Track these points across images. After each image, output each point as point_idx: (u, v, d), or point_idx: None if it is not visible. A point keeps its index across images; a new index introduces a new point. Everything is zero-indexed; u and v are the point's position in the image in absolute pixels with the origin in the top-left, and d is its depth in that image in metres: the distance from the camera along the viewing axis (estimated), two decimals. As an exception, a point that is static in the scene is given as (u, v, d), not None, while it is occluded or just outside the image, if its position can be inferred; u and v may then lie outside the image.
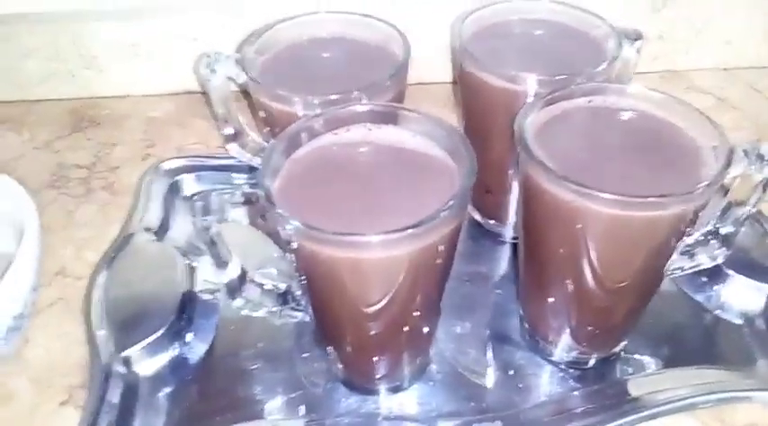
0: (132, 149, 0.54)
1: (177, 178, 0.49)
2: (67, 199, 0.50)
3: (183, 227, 0.46)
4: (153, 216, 0.46)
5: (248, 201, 0.31)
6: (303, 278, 0.32)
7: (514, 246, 0.45)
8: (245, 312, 0.35)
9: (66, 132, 0.56)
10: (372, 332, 0.34)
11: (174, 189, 0.48)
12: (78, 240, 0.46)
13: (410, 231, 0.27)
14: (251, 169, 0.48)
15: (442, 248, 0.30)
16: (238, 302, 0.34)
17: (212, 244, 0.32)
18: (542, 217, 0.33)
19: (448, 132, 0.32)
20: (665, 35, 0.59)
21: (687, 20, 0.58)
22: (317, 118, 0.33)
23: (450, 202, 0.28)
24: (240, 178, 0.50)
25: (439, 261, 0.31)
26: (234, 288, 0.34)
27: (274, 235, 0.31)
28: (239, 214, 0.31)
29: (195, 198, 0.31)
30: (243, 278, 0.34)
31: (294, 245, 0.29)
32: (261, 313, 0.35)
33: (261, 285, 0.35)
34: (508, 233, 0.46)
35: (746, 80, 0.61)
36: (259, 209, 0.30)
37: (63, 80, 0.58)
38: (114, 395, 0.35)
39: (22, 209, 0.37)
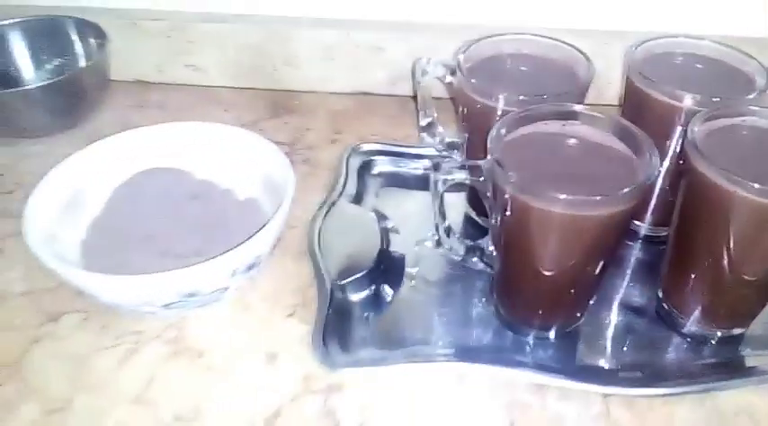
0: (322, 134, 0.65)
1: (370, 158, 0.60)
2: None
3: (371, 199, 0.57)
4: (351, 186, 0.56)
5: (464, 167, 0.41)
6: (501, 233, 0.41)
7: (645, 239, 0.53)
8: (445, 254, 0.45)
9: (267, 116, 0.68)
10: (541, 290, 0.43)
11: (366, 166, 0.59)
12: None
13: (598, 198, 0.37)
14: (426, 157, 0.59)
15: (618, 223, 0.39)
16: (442, 248, 0.44)
17: (441, 199, 0.42)
18: (700, 206, 0.41)
19: (632, 132, 0.41)
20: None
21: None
22: (524, 112, 0.43)
23: (636, 185, 0.37)
24: (418, 162, 0.60)
25: (612, 234, 0.40)
26: (442, 236, 0.44)
27: (483, 194, 0.41)
28: (462, 175, 0.41)
29: (433, 161, 0.41)
30: (449, 230, 0.44)
31: (507, 198, 0.38)
32: (455, 257, 0.45)
33: (460, 238, 0.45)
34: (642, 230, 0.54)
35: None
36: (478, 173, 0.40)
37: (265, 73, 0.71)
38: (334, 310, 0.46)
39: (278, 166, 0.48)
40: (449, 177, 0.41)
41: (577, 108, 0.43)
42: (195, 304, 0.42)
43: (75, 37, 0.67)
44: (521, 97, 0.45)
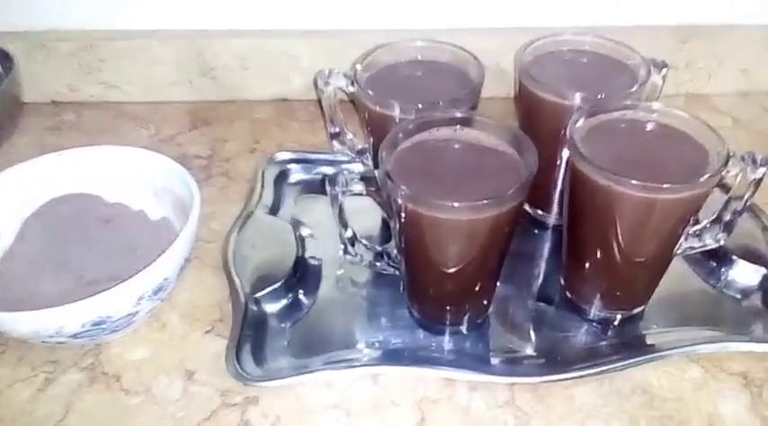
0: (241, 144, 0.66)
1: (286, 167, 0.61)
2: (192, 181, 0.61)
3: (291, 208, 0.58)
4: (267, 197, 0.57)
5: (364, 179, 0.42)
6: (402, 238, 0.43)
7: (553, 229, 0.56)
8: (353, 261, 0.46)
9: (185, 129, 0.68)
10: (446, 288, 0.45)
11: (282, 176, 0.60)
12: (205, 214, 0.57)
13: (486, 201, 0.38)
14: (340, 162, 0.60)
15: (508, 219, 0.41)
16: (349, 256, 0.46)
17: (340, 209, 0.43)
18: (585, 200, 0.43)
19: (515, 134, 0.43)
20: (690, 64, 0.69)
21: (709, 51, 0.68)
22: (416, 120, 0.44)
23: (518, 185, 0.39)
24: (330, 169, 0.61)
25: (504, 230, 0.42)
26: (347, 245, 0.45)
27: (383, 203, 0.43)
28: (359, 187, 0.42)
29: (330, 175, 0.42)
30: (353, 239, 0.46)
31: (401, 208, 0.40)
32: (364, 264, 0.46)
33: (366, 245, 0.46)
34: (550, 220, 0.56)
35: (760, 104, 0.71)
36: (374, 184, 0.42)
37: (181, 86, 0.71)
38: (249, 323, 0.47)
39: (186, 187, 0.48)
40: (345, 189, 0.42)
41: (466, 114, 0.44)
42: (105, 331, 0.43)
43: (-20, 63, 0.66)
44: (416, 105, 0.46)
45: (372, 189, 0.42)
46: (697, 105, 0.70)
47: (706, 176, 0.39)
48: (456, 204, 0.38)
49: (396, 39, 0.53)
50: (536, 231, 0.56)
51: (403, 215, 0.41)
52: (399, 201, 0.40)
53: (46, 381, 0.45)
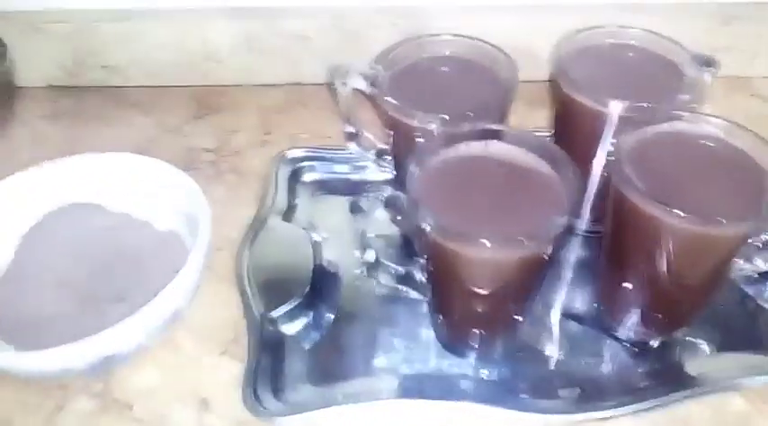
0: (251, 136, 0.62)
1: (299, 165, 0.57)
2: (200, 179, 0.57)
3: (306, 210, 0.54)
4: (282, 200, 0.54)
5: (389, 205, 0.39)
6: (429, 267, 0.40)
7: (584, 237, 0.52)
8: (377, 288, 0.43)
9: (190, 117, 0.64)
10: (477, 313, 0.42)
11: (295, 175, 0.56)
12: (214, 217, 0.54)
13: (523, 240, 0.35)
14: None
15: (545, 256, 0.37)
16: (373, 281, 0.43)
17: (363, 233, 0.40)
18: (628, 227, 0.39)
19: (554, 153, 0.39)
20: (732, 46, 0.64)
21: (753, 32, 0.63)
22: (442, 136, 0.40)
23: (562, 219, 0.35)
24: (345, 167, 0.57)
25: (541, 264, 0.38)
26: (371, 269, 0.42)
27: (408, 230, 0.39)
28: (382, 214, 0.39)
29: (352, 201, 0.38)
30: (377, 263, 0.42)
31: (429, 239, 0.37)
32: (388, 289, 0.43)
33: (389, 268, 0.43)
34: (581, 226, 0.53)
35: (807, 90, 0.66)
36: (398, 211, 0.38)
37: (186, 70, 0.66)
38: (266, 348, 0.44)
39: (192, 200, 0.45)
40: (365, 217, 0.39)
41: (499, 127, 0.40)
42: (114, 363, 0.40)
43: (-30, 49, 0.62)
44: (442, 116, 0.42)
45: (398, 216, 0.39)
46: (738, 90, 0.65)
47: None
48: (487, 242, 0.35)
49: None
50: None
51: (432, 246, 0.37)
52: (428, 233, 0.36)
53: (55, 409, 0.43)
